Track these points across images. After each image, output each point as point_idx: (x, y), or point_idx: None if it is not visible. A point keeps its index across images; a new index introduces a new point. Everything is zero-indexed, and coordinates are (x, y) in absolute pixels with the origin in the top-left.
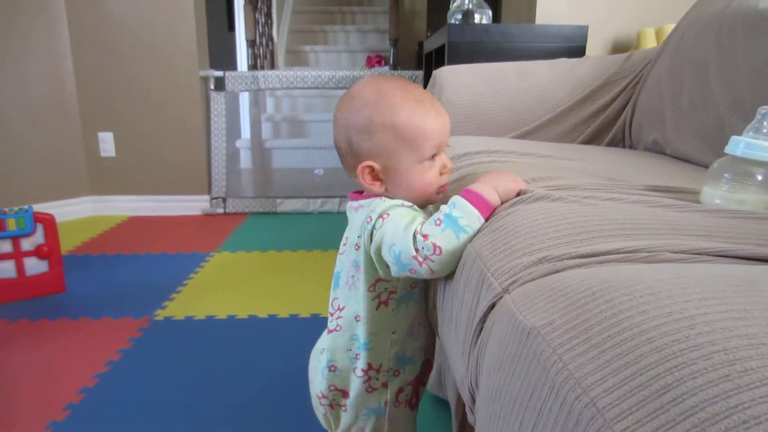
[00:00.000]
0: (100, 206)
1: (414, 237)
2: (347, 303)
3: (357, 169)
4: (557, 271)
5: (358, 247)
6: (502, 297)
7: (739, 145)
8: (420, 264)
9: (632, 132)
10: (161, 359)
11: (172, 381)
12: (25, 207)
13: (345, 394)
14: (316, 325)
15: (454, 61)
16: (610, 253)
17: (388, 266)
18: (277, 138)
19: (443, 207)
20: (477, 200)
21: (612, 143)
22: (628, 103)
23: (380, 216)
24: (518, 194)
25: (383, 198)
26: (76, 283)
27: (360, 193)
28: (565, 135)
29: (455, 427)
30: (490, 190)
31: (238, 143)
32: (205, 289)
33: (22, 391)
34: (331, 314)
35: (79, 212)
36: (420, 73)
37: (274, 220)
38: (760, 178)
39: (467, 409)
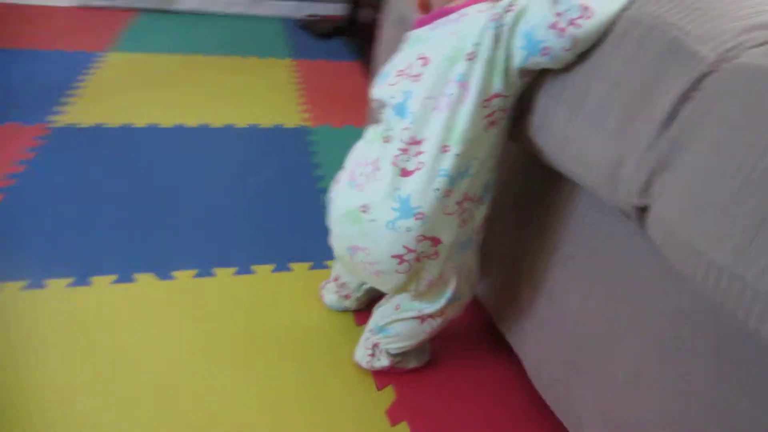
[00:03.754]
0: None
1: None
2: (428, 133)
3: None
4: None
5: (473, 56)
6: (716, 69)
7: None
8: (561, 32)
9: None
10: (77, 170)
11: (94, 192)
12: None
13: (436, 240)
14: (258, 136)
15: None
16: None
17: (508, 73)
18: None
19: None
20: None
21: None
22: None
23: (507, 10)
24: None
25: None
26: None
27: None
28: None
29: None
30: None
31: None
32: (108, 93)
33: None
34: (403, 151)
35: None
36: None
37: (173, 19)
38: None
39: (632, 199)
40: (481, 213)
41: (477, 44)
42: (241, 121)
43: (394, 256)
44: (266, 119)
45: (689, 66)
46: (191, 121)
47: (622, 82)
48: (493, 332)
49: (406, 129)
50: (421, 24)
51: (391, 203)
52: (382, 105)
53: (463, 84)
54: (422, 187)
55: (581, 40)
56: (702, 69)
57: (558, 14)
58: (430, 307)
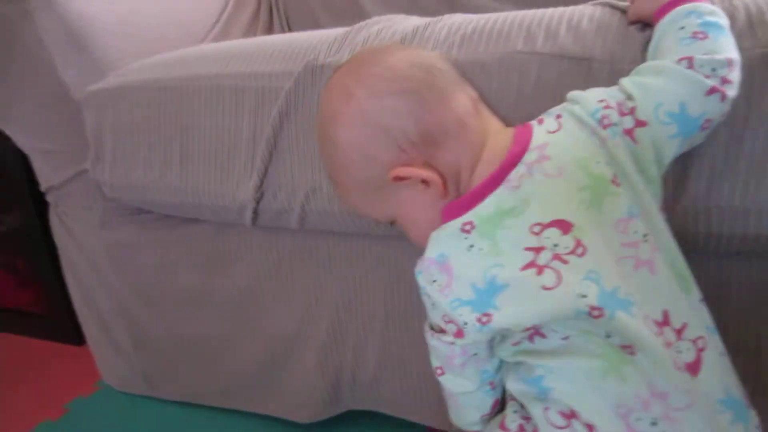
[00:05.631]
0: None
1: (686, 65)
2: (666, 298)
3: None
4: None
5: (618, 180)
6: None
7: None
8: (723, 95)
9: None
10: None
11: None
12: None
13: None
14: None
15: None
16: None
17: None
18: None
19: (679, 21)
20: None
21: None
22: None
23: (608, 107)
24: None
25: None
26: None
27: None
28: (249, 33)
29: None
30: None
31: None
32: None
33: None
34: (667, 345)
35: None
36: None
37: None
38: None
39: None
40: None
41: (610, 163)
42: None
43: None
44: None
45: None
46: None
47: None
48: None
49: (646, 317)
50: (473, 201)
51: (725, 417)
52: (551, 322)
53: (644, 215)
54: (721, 366)
55: (734, 100)
56: None
57: (707, 76)
58: None
